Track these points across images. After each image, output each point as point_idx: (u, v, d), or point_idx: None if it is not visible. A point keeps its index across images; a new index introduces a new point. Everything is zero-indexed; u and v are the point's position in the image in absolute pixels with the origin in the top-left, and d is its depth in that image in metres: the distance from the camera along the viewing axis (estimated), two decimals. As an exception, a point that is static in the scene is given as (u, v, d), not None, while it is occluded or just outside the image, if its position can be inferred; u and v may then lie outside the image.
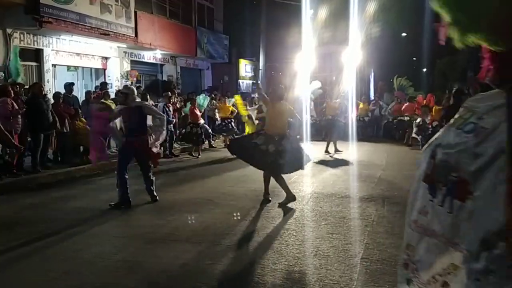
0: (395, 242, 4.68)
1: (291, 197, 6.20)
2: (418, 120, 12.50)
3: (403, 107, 14.98)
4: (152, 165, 6.58)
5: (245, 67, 23.98)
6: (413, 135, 12.66)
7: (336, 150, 11.74)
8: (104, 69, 13.82)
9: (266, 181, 6.39)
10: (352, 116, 13.78)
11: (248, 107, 12.06)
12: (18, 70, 10.01)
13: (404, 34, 31.47)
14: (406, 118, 14.46)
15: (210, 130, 12.70)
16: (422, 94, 16.86)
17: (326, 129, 12.37)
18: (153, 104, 11.39)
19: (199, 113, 11.91)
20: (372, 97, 20.46)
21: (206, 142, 13.50)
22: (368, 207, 6.15)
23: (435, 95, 15.18)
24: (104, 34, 12.25)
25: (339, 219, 5.57)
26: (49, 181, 8.12)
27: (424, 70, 35.33)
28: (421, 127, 11.89)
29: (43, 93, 8.94)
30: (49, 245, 4.70)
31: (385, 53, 26.00)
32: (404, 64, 32.30)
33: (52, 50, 11.52)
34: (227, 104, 13.54)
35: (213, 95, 15.01)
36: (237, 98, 12.19)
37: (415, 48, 32.06)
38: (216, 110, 13.95)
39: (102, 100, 9.24)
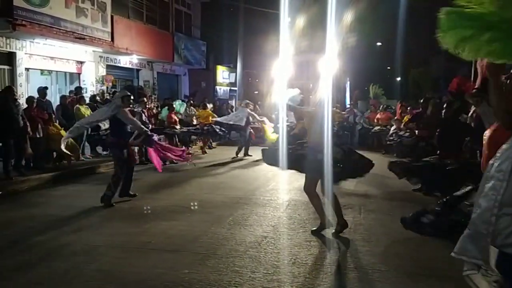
0: (371, 249, 4.75)
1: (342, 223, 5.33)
2: (393, 128, 12.80)
3: (377, 116, 15.21)
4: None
5: (222, 73, 24.01)
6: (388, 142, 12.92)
7: None
8: (79, 74, 13.60)
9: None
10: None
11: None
12: None
13: (379, 44, 32.14)
14: (378, 128, 14.66)
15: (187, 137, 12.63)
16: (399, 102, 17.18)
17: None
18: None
19: (176, 119, 11.86)
20: (347, 105, 20.75)
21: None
22: (345, 214, 6.18)
23: (409, 104, 15.50)
24: (80, 38, 12.06)
25: (317, 226, 5.59)
26: (21, 188, 7.89)
27: (398, 79, 36.09)
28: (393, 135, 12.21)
29: (15, 97, 8.71)
30: (21, 254, 4.56)
31: (361, 62, 26.51)
32: (379, 73, 32.93)
33: (25, 53, 11.27)
34: (208, 110, 13.68)
35: (191, 101, 14.94)
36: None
37: (389, 58, 32.79)
38: (194, 117, 13.92)
39: None
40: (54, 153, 9.46)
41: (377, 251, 4.71)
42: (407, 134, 11.02)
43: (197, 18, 20.60)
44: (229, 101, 22.19)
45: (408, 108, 13.77)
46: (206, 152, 13.40)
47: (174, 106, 12.42)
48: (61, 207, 6.57)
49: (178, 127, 12.03)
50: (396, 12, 26.19)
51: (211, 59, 22.41)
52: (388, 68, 37.63)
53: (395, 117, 13.92)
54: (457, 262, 4.27)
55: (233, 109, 19.03)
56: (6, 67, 10.88)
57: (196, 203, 6.76)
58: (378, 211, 6.47)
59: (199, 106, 14.72)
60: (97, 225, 5.68)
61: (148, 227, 5.52)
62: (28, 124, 8.58)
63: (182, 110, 13.91)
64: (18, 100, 9.26)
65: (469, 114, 8.47)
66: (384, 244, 4.98)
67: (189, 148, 13.68)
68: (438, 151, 7.21)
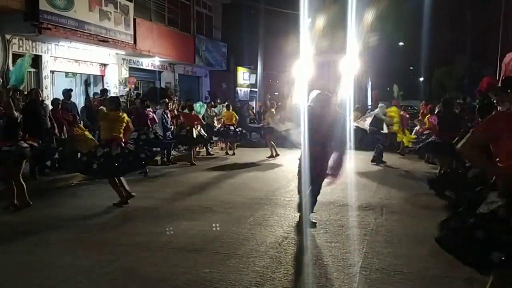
0: (394, 251, 4.68)
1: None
2: (416, 128, 12.61)
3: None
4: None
5: (243, 74, 24.08)
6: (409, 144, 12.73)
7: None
8: (102, 76, 13.83)
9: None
10: (350, 124, 13.80)
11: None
12: (17, 77, 9.75)
13: (401, 44, 31.72)
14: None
15: (207, 137, 12.68)
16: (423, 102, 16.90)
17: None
18: (152, 111, 11.38)
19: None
20: (369, 106, 20.50)
21: (204, 149, 13.52)
22: (367, 215, 6.15)
23: (432, 104, 15.24)
24: (103, 41, 12.25)
25: (337, 227, 5.57)
26: (47, 188, 8.07)
27: (421, 79, 35.57)
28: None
29: (41, 99, 8.91)
30: (47, 253, 4.66)
31: (382, 62, 26.21)
32: (401, 73, 32.52)
33: (50, 56, 11.51)
34: (231, 111, 13.82)
35: (212, 103, 15.05)
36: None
37: (412, 57, 32.33)
38: (215, 118, 14.02)
39: None
40: (79, 154, 9.62)
41: (399, 252, 4.64)
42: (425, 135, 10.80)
43: (218, 20, 20.71)
44: (250, 103, 22.24)
45: (429, 108, 13.54)
46: (234, 154, 13.50)
47: (193, 107, 12.49)
48: (85, 207, 6.70)
49: (199, 128, 12.11)
50: (419, 10, 25.78)
51: (231, 60, 22.49)
52: (411, 68, 37.14)
53: (419, 118, 13.71)
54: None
55: (253, 110, 19.08)
56: (32, 69, 11.10)
57: (216, 204, 6.80)
58: (401, 212, 6.38)
59: (215, 107, 14.87)
60: (120, 224, 5.76)
61: (169, 227, 5.57)
62: (55, 125, 8.78)
63: (202, 111, 14.01)
64: (45, 102, 9.48)
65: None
66: (407, 245, 4.90)
67: (210, 148, 13.78)
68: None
